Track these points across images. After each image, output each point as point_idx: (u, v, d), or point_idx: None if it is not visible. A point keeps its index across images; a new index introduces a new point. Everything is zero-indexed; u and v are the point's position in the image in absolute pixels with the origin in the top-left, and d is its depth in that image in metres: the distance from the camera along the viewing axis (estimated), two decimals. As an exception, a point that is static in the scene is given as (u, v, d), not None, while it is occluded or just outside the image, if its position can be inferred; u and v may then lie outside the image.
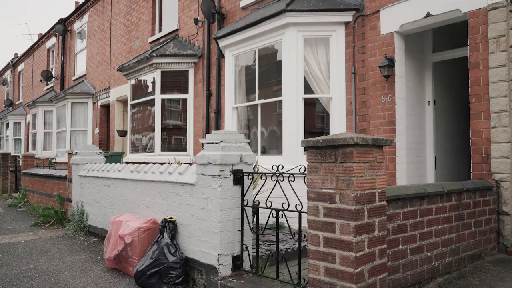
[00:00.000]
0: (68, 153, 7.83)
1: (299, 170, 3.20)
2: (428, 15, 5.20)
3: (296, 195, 3.25)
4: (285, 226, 5.60)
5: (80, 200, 6.96)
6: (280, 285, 3.44)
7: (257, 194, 3.82)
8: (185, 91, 9.35)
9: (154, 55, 9.02)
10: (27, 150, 19.23)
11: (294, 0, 6.34)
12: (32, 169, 11.03)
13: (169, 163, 4.84)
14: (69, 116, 14.35)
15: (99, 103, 13.83)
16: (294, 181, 3.30)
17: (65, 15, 22.78)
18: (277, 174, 3.45)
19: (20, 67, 23.14)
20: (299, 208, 3.20)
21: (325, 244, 2.69)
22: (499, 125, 4.44)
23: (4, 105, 24.20)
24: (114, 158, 10.90)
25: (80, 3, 16.64)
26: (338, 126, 6.15)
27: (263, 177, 3.67)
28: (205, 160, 3.83)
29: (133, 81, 10.39)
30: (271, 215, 3.49)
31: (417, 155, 5.94)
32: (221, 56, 8.38)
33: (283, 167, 3.51)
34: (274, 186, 3.44)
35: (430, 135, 6.12)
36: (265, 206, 3.58)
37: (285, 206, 3.32)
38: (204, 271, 3.86)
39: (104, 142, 13.76)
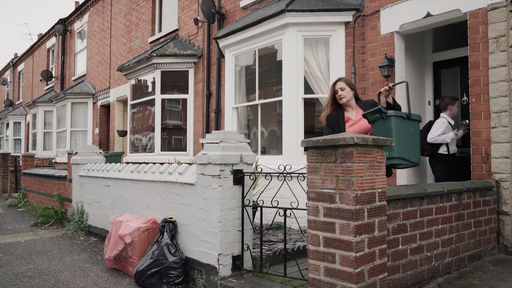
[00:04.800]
0: (68, 153, 7.83)
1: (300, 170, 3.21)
2: (428, 15, 5.20)
3: (294, 195, 3.28)
4: (285, 226, 5.59)
5: (80, 200, 6.96)
6: (280, 285, 3.44)
7: (260, 194, 3.83)
8: (185, 91, 9.34)
9: (154, 55, 9.02)
10: (27, 150, 19.23)
11: (294, 0, 6.34)
12: (32, 169, 11.03)
13: (169, 163, 4.84)
14: (69, 116, 14.35)
15: (99, 103, 13.83)
16: (291, 180, 3.32)
17: (65, 16, 22.77)
18: (284, 174, 3.44)
19: (20, 67, 23.13)
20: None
21: (325, 244, 2.69)
22: (499, 125, 4.44)
23: (4, 105, 24.19)
24: (114, 158, 10.90)
25: (80, 3, 16.64)
26: (338, 126, 6.14)
27: (268, 177, 3.66)
28: (205, 160, 3.83)
29: (133, 81, 10.39)
30: (277, 214, 3.48)
31: (417, 155, 5.93)
32: (221, 56, 8.38)
33: (284, 167, 3.51)
34: (281, 186, 3.43)
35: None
36: (264, 205, 3.58)
37: (285, 205, 3.33)
38: (204, 271, 3.86)
39: (104, 142, 13.76)
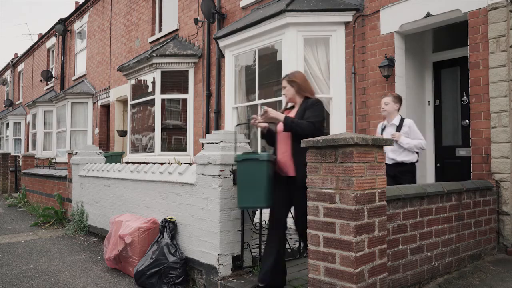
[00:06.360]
0: (68, 153, 7.83)
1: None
2: (428, 15, 5.20)
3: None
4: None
5: (80, 200, 6.96)
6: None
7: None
8: (185, 91, 9.34)
9: (154, 55, 9.02)
10: (27, 150, 19.22)
11: (294, 0, 6.34)
12: (32, 169, 11.03)
13: (169, 163, 4.84)
14: (69, 116, 14.35)
15: (99, 103, 13.83)
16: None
17: (65, 16, 22.77)
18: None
19: (20, 67, 23.13)
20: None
21: (325, 244, 2.69)
22: (499, 125, 4.44)
23: (4, 105, 24.19)
24: (114, 158, 10.88)
25: (80, 3, 16.63)
26: (338, 126, 6.14)
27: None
28: (205, 160, 3.83)
29: (133, 81, 10.39)
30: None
31: (417, 155, 5.94)
32: (221, 56, 8.38)
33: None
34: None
35: (430, 135, 6.11)
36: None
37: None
38: (204, 271, 3.86)
39: (104, 142, 13.76)
